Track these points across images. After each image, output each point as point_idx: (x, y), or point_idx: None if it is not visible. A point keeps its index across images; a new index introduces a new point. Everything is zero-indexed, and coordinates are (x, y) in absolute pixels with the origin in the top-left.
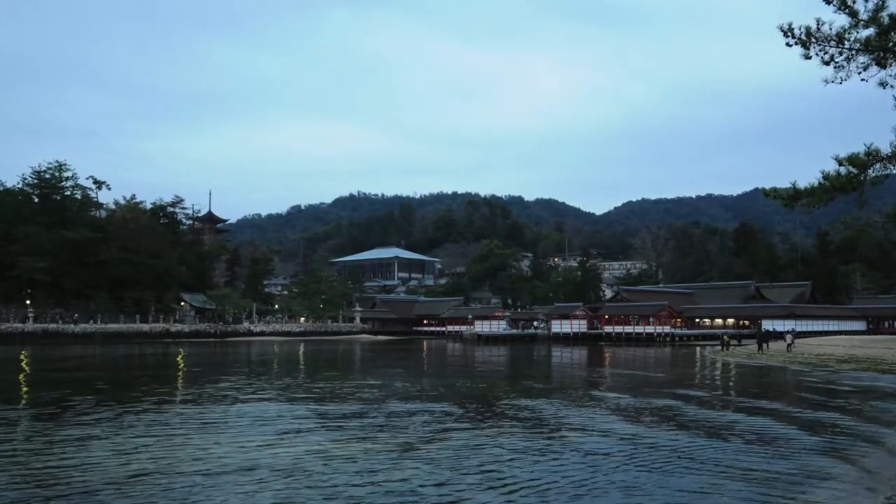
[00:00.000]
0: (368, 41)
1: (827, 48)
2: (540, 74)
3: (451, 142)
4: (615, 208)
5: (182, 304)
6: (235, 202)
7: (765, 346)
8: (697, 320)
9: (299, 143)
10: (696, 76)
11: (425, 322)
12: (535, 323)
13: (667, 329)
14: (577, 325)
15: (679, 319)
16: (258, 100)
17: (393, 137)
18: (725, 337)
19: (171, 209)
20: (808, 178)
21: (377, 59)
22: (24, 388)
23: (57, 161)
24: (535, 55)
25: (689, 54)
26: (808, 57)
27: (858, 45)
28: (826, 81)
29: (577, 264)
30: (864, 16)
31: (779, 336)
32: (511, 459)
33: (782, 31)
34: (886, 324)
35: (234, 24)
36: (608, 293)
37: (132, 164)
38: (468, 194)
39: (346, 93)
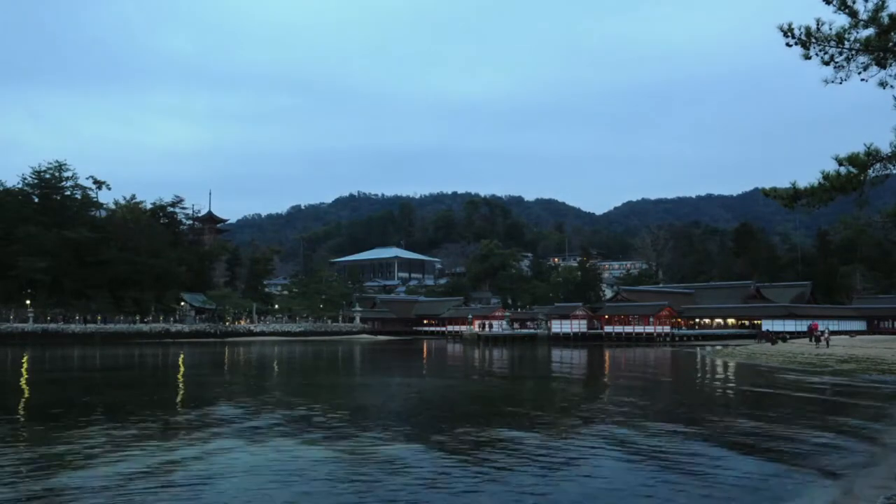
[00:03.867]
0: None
1: (827, 48)
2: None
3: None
4: (615, 208)
5: (182, 304)
6: (235, 202)
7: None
8: (697, 320)
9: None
10: None
11: (425, 322)
12: (530, 324)
13: (667, 329)
14: (577, 325)
15: (679, 319)
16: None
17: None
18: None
19: (171, 209)
20: (808, 178)
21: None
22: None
23: (57, 161)
24: None
25: None
26: (807, 57)
27: (858, 45)
28: (826, 81)
29: (577, 264)
30: (864, 16)
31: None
32: None
33: (782, 31)
34: (886, 324)
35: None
36: (608, 293)
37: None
38: (468, 194)
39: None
